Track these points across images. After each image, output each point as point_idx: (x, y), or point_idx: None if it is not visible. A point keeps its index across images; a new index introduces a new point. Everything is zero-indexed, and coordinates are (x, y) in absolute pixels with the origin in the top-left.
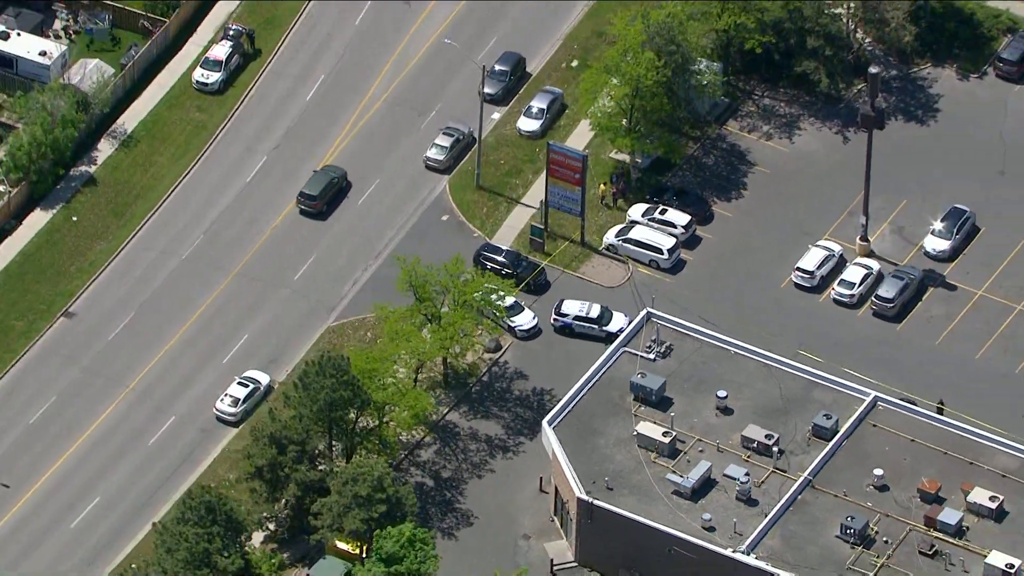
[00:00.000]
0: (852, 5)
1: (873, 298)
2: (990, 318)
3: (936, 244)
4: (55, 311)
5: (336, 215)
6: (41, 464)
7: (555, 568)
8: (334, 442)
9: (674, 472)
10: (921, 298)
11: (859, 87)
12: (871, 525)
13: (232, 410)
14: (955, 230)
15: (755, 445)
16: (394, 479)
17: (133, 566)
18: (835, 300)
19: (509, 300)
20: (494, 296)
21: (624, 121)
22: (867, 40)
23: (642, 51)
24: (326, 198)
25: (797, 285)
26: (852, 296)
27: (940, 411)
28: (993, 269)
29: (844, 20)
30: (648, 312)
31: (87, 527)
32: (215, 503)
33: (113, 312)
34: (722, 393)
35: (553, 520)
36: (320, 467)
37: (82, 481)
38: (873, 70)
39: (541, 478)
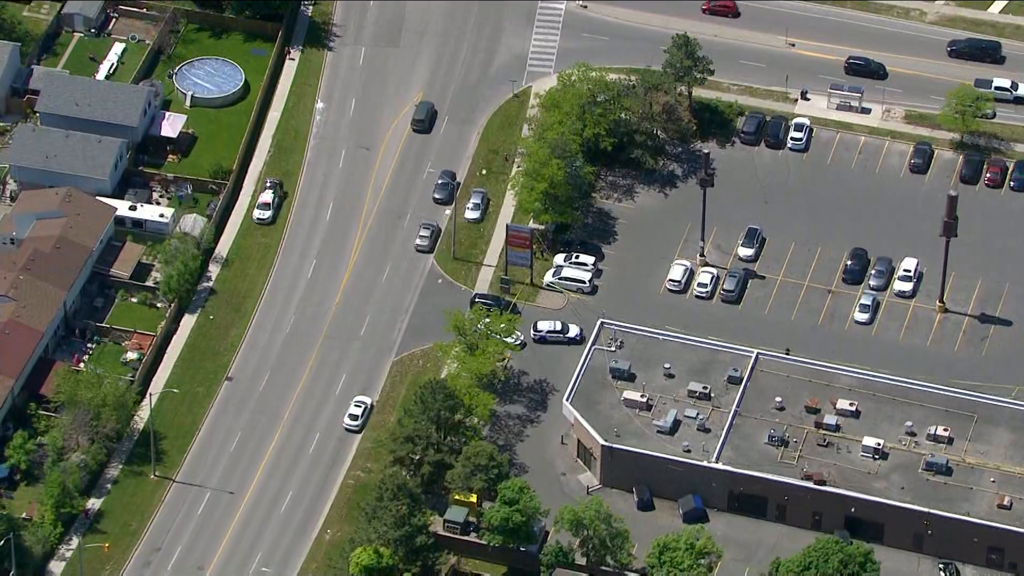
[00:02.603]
0: (654, 110)
1: (721, 291)
2: (790, 293)
3: (745, 251)
4: (220, 378)
5: (373, 288)
6: (247, 477)
7: (590, 490)
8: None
9: (654, 420)
10: (747, 287)
11: (663, 162)
12: (785, 433)
13: (355, 423)
14: (755, 241)
15: (697, 394)
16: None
17: (332, 537)
18: (696, 296)
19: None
20: (509, 327)
21: (538, 204)
22: (658, 130)
23: (551, 158)
24: (428, 120)
25: (670, 290)
26: (707, 292)
27: (787, 354)
28: (781, 263)
29: (650, 121)
30: (602, 321)
31: (289, 512)
32: (403, 483)
33: (256, 373)
34: (667, 365)
35: (577, 461)
36: (439, 451)
37: (276, 484)
38: (705, 150)
39: (562, 436)
